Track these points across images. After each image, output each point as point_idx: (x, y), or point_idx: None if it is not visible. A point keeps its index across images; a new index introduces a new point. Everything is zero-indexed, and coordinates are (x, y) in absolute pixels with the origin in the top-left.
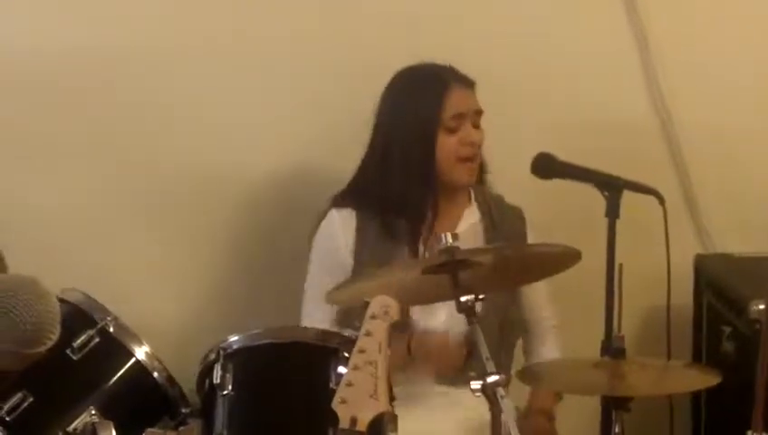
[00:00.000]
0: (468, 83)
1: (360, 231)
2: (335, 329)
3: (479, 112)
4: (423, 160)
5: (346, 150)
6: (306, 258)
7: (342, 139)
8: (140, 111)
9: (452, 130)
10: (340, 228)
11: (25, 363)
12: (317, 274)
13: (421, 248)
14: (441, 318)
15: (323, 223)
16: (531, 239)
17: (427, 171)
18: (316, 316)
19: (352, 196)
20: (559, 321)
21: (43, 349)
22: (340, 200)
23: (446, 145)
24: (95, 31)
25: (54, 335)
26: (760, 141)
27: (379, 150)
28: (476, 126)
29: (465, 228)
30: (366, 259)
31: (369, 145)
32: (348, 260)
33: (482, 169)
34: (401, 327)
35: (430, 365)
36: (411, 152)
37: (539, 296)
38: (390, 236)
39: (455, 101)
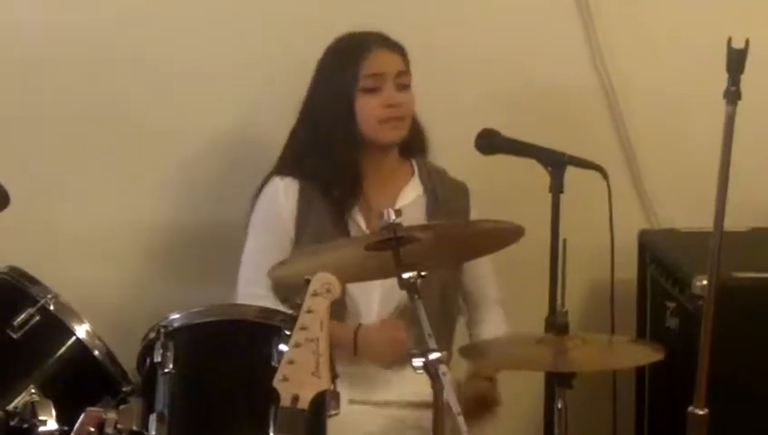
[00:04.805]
0: (393, 46)
1: (303, 201)
2: (271, 298)
3: (403, 73)
4: (343, 123)
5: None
6: None
7: (288, 101)
8: (81, 72)
9: (370, 91)
10: (283, 196)
11: None
12: (258, 239)
13: (360, 219)
14: (376, 297)
15: (266, 190)
16: (474, 215)
17: (348, 134)
18: (252, 282)
19: (291, 164)
20: (503, 295)
21: None
22: (282, 168)
23: (366, 107)
24: None
25: None
26: (704, 115)
27: (305, 119)
28: (401, 88)
29: (407, 203)
30: (309, 229)
31: (298, 115)
32: (290, 228)
33: (421, 139)
34: (339, 315)
35: (377, 361)
36: (332, 116)
37: (483, 271)
38: (332, 205)
39: (372, 62)
